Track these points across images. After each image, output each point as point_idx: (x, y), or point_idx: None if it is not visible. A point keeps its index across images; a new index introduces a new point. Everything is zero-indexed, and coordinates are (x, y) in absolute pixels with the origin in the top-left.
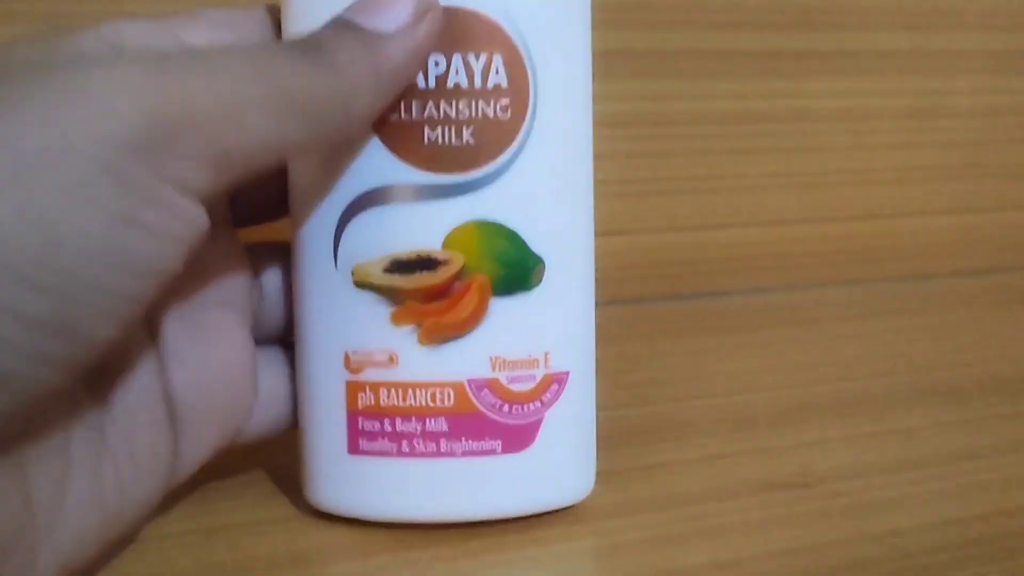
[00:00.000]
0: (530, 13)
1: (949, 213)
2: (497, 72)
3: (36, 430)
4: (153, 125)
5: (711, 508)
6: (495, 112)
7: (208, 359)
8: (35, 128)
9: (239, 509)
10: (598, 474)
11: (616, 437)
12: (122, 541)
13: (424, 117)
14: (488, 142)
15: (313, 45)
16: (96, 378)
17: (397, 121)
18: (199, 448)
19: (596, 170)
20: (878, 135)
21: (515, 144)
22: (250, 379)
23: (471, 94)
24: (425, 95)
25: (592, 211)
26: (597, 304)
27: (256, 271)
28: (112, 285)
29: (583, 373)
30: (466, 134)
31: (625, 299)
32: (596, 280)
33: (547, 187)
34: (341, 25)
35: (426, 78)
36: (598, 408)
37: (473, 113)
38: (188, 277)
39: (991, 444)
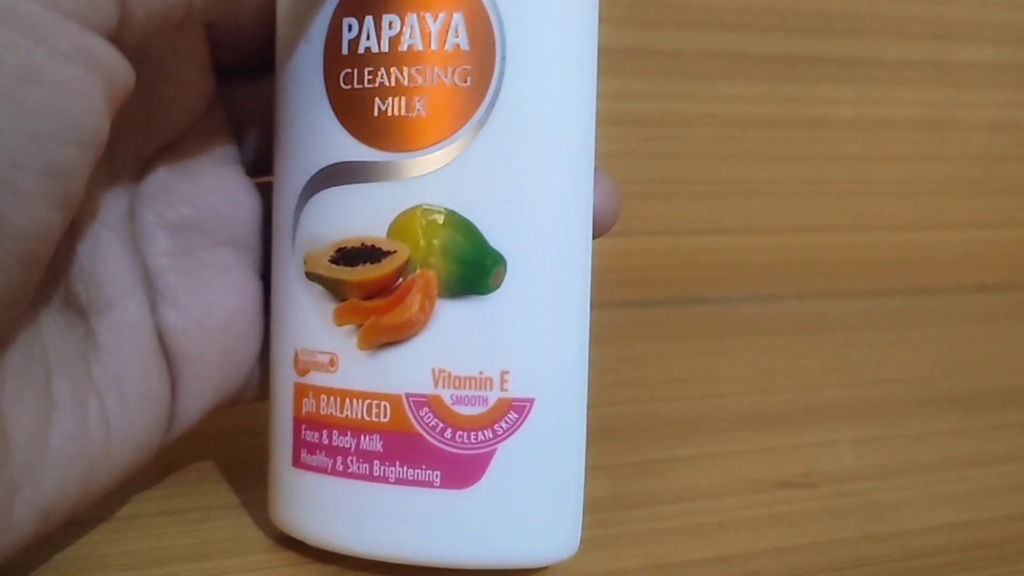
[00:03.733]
0: None
1: (960, 227)
2: (457, 33)
3: (11, 361)
4: None
5: (714, 504)
6: (453, 80)
7: (205, 302)
8: None
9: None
10: (594, 470)
11: (619, 432)
12: (114, 488)
13: (376, 85)
14: (443, 115)
15: None
16: (78, 309)
17: (350, 91)
18: (200, 396)
19: (601, 168)
20: (891, 145)
21: (475, 118)
22: (255, 327)
23: (426, 58)
24: (377, 60)
25: (589, 207)
26: (602, 307)
27: (267, 208)
28: (26, 159)
29: (556, 404)
30: (418, 105)
31: (632, 302)
32: (598, 283)
33: (514, 171)
34: None
35: (379, 41)
36: (598, 404)
37: (427, 80)
38: (179, 209)
39: (998, 452)
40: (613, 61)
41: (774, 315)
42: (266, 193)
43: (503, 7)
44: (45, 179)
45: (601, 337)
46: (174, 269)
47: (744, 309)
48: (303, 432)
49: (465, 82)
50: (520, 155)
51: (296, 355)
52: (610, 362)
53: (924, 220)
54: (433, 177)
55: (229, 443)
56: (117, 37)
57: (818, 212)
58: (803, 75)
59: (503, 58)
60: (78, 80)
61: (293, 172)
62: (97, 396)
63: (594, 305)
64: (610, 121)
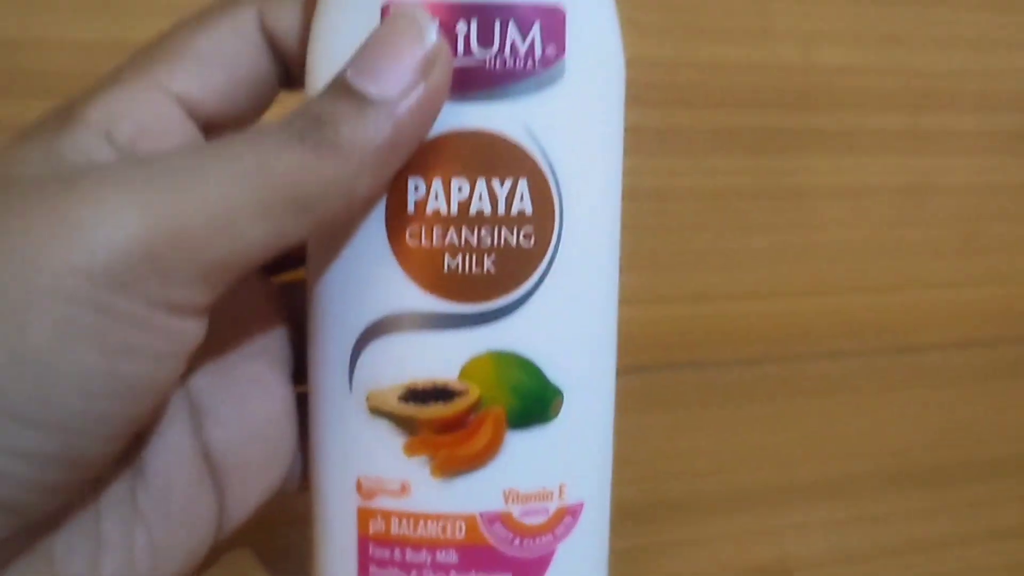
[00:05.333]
0: (558, 136)
1: (942, 286)
2: (522, 198)
3: (61, 519)
4: (140, 255)
5: None
6: (518, 240)
7: (245, 414)
8: (22, 267)
9: None
10: None
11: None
12: None
13: (445, 244)
14: (510, 271)
15: (312, 120)
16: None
17: (417, 247)
18: (245, 502)
19: None
20: (873, 211)
21: (537, 274)
22: (291, 427)
23: (494, 221)
24: (447, 221)
25: (615, 336)
26: None
27: (291, 310)
28: (109, 411)
29: (598, 502)
30: (487, 263)
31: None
32: None
33: (568, 317)
34: (342, 90)
35: (448, 203)
36: None
37: (495, 241)
38: (219, 331)
39: (966, 532)
40: None
41: (759, 379)
42: (291, 296)
43: (560, 174)
44: (121, 425)
45: None
46: (214, 386)
47: (730, 373)
48: (371, 550)
49: (529, 241)
50: (574, 301)
51: (359, 482)
52: None
53: (907, 281)
54: (500, 325)
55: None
56: (202, 309)
57: (804, 277)
58: (786, 147)
59: (561, 218)
60: (165, 355)
61: (349, 317)
62: (144, 525)
63: None
64: None
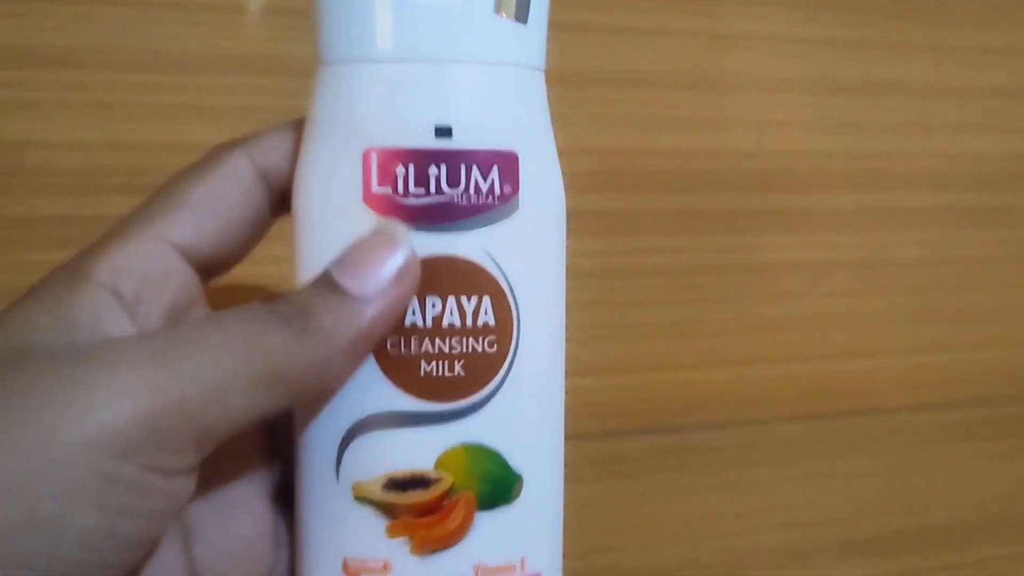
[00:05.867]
0: (515, 259)
1: (897, 353)
2: (486, 312)
3: None
4: (142, 426)
5: None
6: (483, 347)
7: (231, 533)
8: (39, 441)
9: None
10: None
11: None
12: None
13: (421, 352)
14: (477, 374)
15: (298, 308)
16: None
17: (397, 355)
18: None
19: (570, 317)
20: (830, 284)
21: (499, 375)
22: (271, 544)
23: (463, 332)
24: (423, 332)
25: (563, 420)
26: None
27: (272, 431)
28: (108, 560)
29: (554, 571)
30: (457, 367)
31: (586, 435)
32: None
33: (526, 410)
34: (327, 285)
35: (424, 318)
36: None
37: (464, 348)
38: (208, 459)
39: None
40: (571, 223)
41: (720, 445)
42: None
43: (517, 291)
44: (117, 567)
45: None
46: (201, 508)
47: (694, 438)
48: None
49: (492, 348)
50: (531, 395)
51: (345, 562)
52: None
53: (863, 348)
54: (469, 420)
55: None
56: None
57: (764, 346)
58: (745, 226)
59: (519, 328)
60: (157, 513)
61: (337, 417)
62: None
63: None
64: (570, 274)
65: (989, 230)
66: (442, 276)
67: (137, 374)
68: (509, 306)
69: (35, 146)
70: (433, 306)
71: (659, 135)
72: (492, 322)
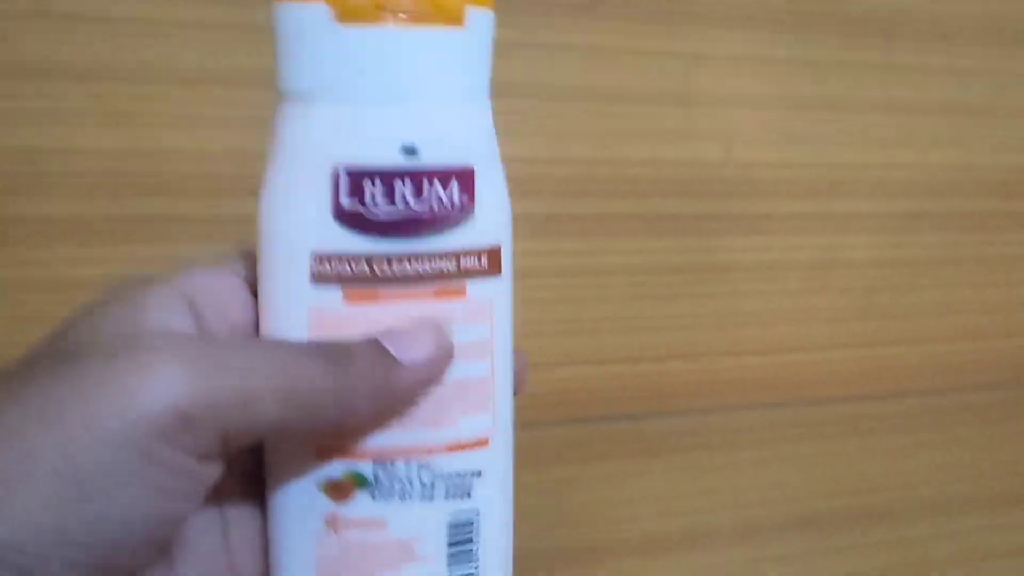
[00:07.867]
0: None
1: (846, 347)
2: None
3: None
4: (178, 415)
5: None
6: None
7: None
8: (91, 421)
9: None
10: None
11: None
12: None
13: None
14: None
15: (342, 348)
16: None
17: None
18: None
19: (543, 312)
20: (785, 283)
21: None
22: None
23: None
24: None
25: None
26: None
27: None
28: (146, 534)
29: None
30: None
31: (556, 421)
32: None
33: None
34: (374, 343)
35: None
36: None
37: None
38: (254, 453)
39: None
40: (550, 225)
41: (683, 431)
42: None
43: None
44: (153, 542)
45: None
46: (237, 496)
47: (660, 425)
48: None
49: None
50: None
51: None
52: (545, 483)
53: (816, 343)
54: None
55: None
56: (219, 456)
57: (725, 340)
58: (709, 230)
59: None
60: (188, 491)
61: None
62: None
63: (529, 425)
64: (548, 273)
65: (934, 234)
66: None
67: (182, 370)
68: None
69: (58, 152)
70: None
71: (633, 146)
72: None
